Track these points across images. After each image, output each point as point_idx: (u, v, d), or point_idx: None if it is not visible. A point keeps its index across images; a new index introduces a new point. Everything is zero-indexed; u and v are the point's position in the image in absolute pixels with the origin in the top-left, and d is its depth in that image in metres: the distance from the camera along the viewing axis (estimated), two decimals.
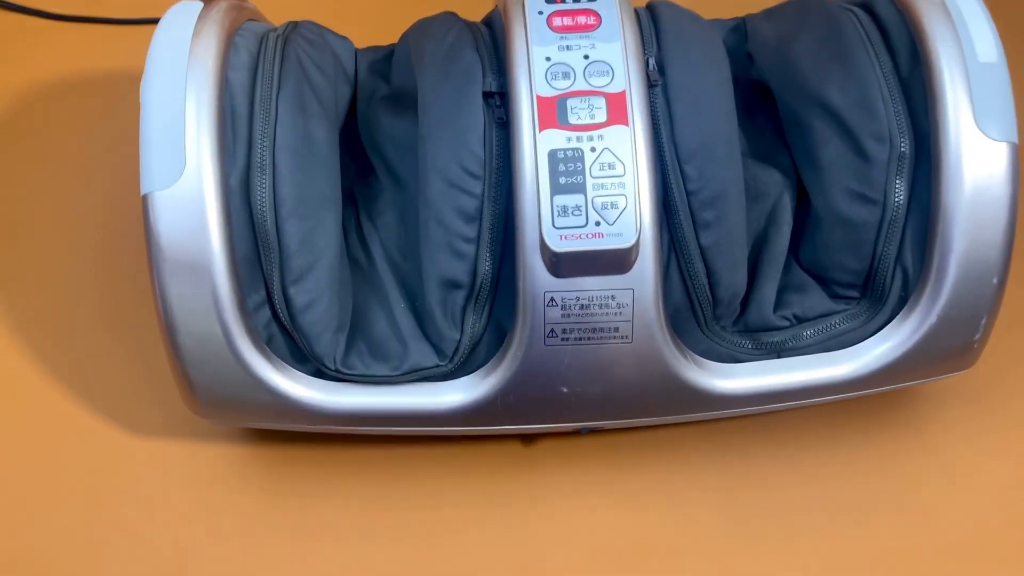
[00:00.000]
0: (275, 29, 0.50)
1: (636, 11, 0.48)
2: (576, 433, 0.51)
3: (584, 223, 0.42)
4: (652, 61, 0.45)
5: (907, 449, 0.53)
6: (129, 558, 0.50)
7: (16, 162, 0.64)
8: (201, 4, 0.46)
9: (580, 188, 0.42)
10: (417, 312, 0.47)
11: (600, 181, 0.42)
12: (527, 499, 0.52)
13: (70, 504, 0.52)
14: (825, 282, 0.48)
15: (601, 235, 0.42)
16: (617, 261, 0.42)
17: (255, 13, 0.52)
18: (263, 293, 0.45)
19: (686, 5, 0.49)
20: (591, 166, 0.42)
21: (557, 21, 0.44)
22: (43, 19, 0.68)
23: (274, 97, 0.45)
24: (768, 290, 0.47)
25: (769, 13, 0.53)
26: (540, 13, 0.44)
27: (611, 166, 0.42)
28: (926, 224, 0.45)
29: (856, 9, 0.49)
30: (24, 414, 0.54)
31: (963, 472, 0.53)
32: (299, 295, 0.44)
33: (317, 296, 0.45)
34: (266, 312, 0.45)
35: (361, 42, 0.54)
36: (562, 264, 0.42)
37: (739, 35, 0.55)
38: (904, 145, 0.45)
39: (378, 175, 0.51)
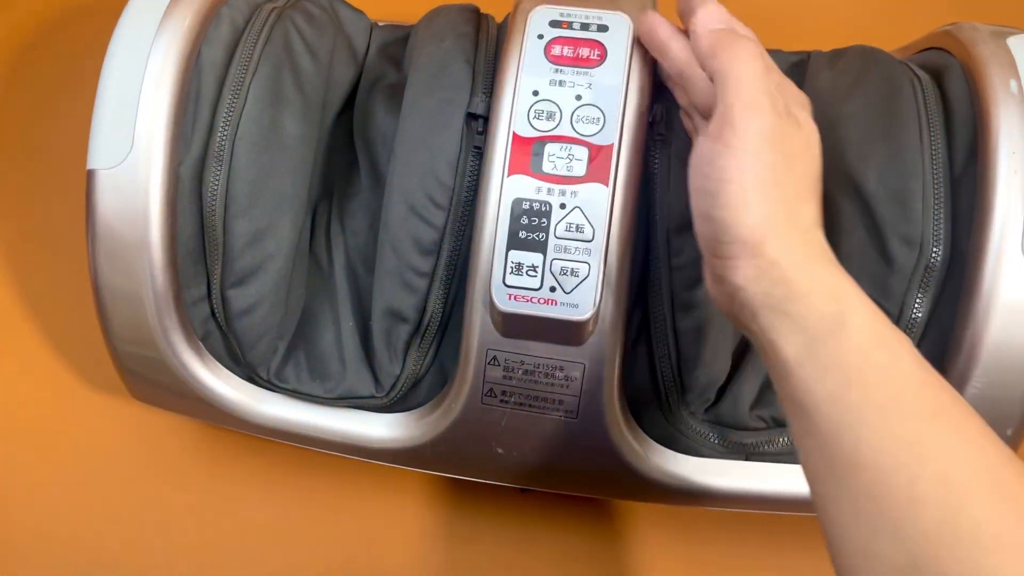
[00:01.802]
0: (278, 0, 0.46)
1: None
2: (518, 490, 0.47)
3: (538, 286, 0.37)
4: (661, 111, 0.39)
5: None
6: (65, 506, 0.50)
7: (43, 84, 0.62)
8: None
9: (540, 247, 0.37)
10: (365, 332, 0.44)
11: (564, 243, 0.37)
12: (461, 539, 0.49)
13: (22, 443, 0.52)
14: None
15: (554, 303, 0.37)
16: (569, 332, 0.38)
17: None
18: (204, 289, 0.42)
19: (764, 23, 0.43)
20: (557, 225, 0.37)
21: (556, 50, 0.38)
22: None
23: (247, 81, 0.41)
24: (748, 386, 0.42)
25: (835, 57, 0.46)
26: (540, 37, 0.38)
27: (579, 228, 0.37)
28: (944, 349, 0.38)
29: (923, 75, 0.42)
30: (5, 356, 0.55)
31: None
32: (238, 299, 0.42)
33: (258, 302, 0.42)
34: (205, 308, 0.42)
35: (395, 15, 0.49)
36: (508, 324, 0.38)
37: (800, 71, 0.48)
38: (936, 254, 0.38)
39: (360, 172, 0.47)
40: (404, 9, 0.52)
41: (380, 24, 0.50)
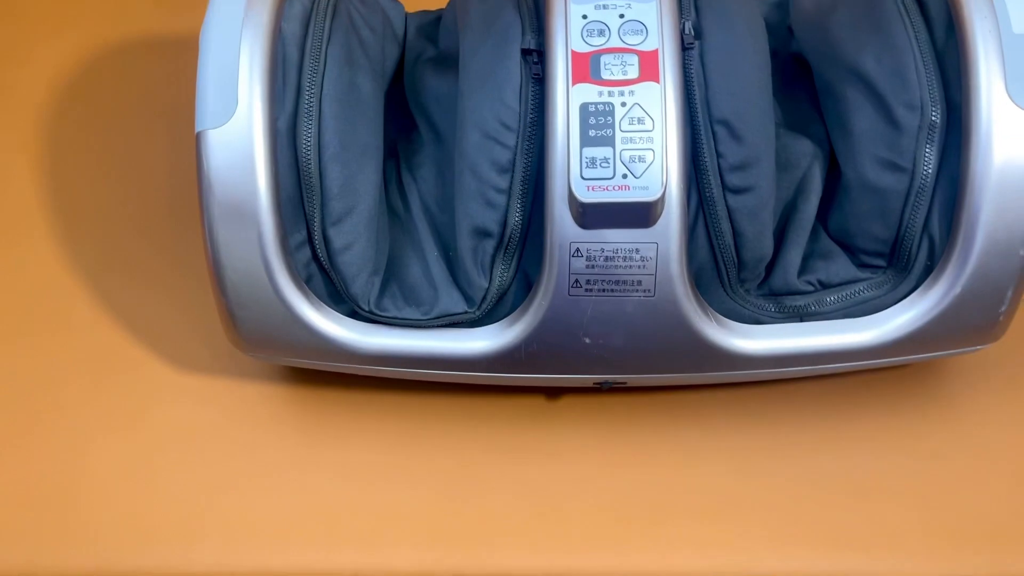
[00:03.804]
0: None
1: None
2: (598, 389, 0.52)
3: (612, 175, 0.43)
4: (689, 25, 0.46)
5: (930, 424, 0.53)
6: (167, 490, 0.53)
7: (88, 116, 0.67)
8: None
9: (609, 141, 0.43)
10: (449, 260, 0.49)
11: (629, 135, 0.43)
12: (548, 453, 0.54)
13: (116, 434, 0.55)
14: (852, 250, 0.49)
15: (628, 187, 0.43)
16: (642, 214, 0.43)
17: None
18: (304, 233, 0.47)
19: None
20: (621, 120, 0.43)
21: None
22: None
23: (324, 48, 0.47)
24: (794, 255, 0.48)
25: None
26: None
27: (640, 121, 0.43)
28: (954, 194, 0.45)
29: None
30: (80, 346, 0.58)
31: (987, 448, 0.53)
32: (338, 237, 0.47)
33: (355, 239, 0.47)
34: (306, 252, 0.47)
35: (412, 6, 0.56)
36: (588, 215, 0.44)
37: (782, 11, 0.56)
38: (935, 114, 0.45)
39: (420, 131, 0.53)
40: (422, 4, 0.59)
41: (413, 12, 0.56)
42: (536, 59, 0.46)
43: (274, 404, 0.56)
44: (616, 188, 0.43)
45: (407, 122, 0.54)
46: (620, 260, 0.44)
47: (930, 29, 0.47)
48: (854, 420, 0.54)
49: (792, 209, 0.49)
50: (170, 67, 0.68)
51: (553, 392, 0.55)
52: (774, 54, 0.54)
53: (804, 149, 0.50)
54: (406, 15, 0.56)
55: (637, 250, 0.44)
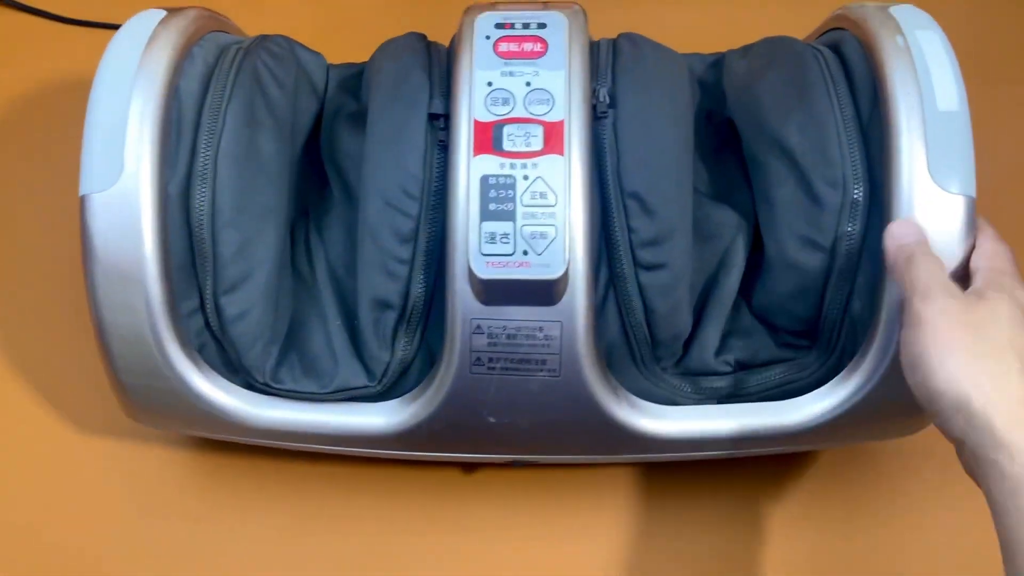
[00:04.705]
0: (242, 41, 0.50)
1: (599, 42, 0.47)
2: (512, 465, 0.50)
3: (512, 251, 0.41)
4: (604, 92, 0.44)
5: (865, 508, 0.51)
6: (61, 553, 0.51)
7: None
8: (164, 12, 0.47)
9: (510, 216, 0.41)
10: (352, 330, 0.47)
11: (531, 210, 0.41)
12: (463, 529, 0.51)
13: (10, 493, 0.52)
14: (775, 329, 0.46)
15: (528, 264, 0.41)
16: (544, 292, 0.41)
17: (226, 25, 0.52)
18: (197, 301, 0.45)
19: (683, 33, 0.48)
20: (522, 194, 0.41)
21: (503, 47, 0.43)
22: (46, 20, 0.70)
23: (223, 107, 0.45)
24: (711, 333, 0.46)
25: (746, 49, 0.51)
26: (487, 38, 0.43)
27: (543, 195, 0.41)
28: (878, 276, 0.43)
29: (825, 50, 0.48)
30: None
31: (924, 537, 0.50)
32: (231, 305, 0.44)
33: (250, 307, 0.44)
34: (199, 320, 0.45)
35: (350, 58, 0.54)
36: (489, 291, 0.41)
37: (718, 70, 0.54)
38: (858, 192, 0.43)
39: (332, 189, 0.51)
40: (355, 54, 0.57)
41: (335, 64, 0.54)
42: (443, 125, 0.44)
43: (177, 470, 0.53)
44: (516, 265, 0.41)
45: (324, 179, 0.52)
46: (523, 338, 0.42)
47: (855, 101, 0.45)
48: (785, 501, 0.51)
49: (713, 283, 0.47)
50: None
51: (469, 465, 0.53)
52: (708, 116, 0.52)
53: (728, 220, 0.48)
54: (328, 67, 0.54)
55: (541, 328, 0.42)
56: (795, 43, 0.48)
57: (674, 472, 0.52)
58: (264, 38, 0.51)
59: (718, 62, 0.54)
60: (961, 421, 0.35)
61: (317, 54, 0.53)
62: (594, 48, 0.47)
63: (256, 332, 0.45)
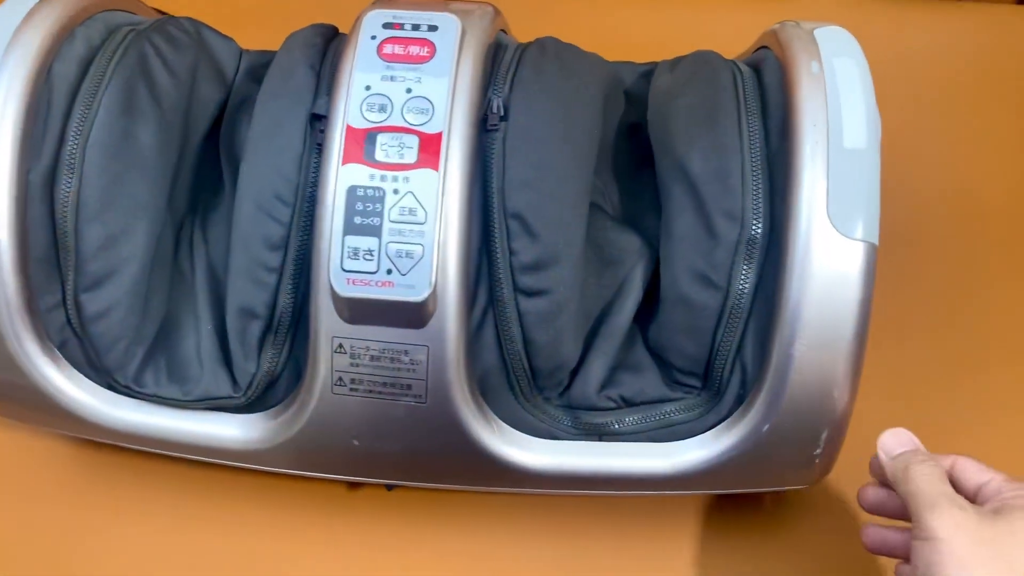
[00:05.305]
0: (140, 23, 0.48)
1: (507, 47, 0.44)
2: (387, 487, 0.47)
3: (375, 269, 0.38)
4: (498, 103, 0.41)
5: (749, 551, 0.48)
6: None
7: None
8: None
9: (376, 231, 0.38)
10: (223, 336, 0.44)
11: (398, 227, 0.38)
12: (343, 544, 0.49)
13: None
14: (667, 366, 0.44)
15: (392, 284, 0.38)
16: (409, 314, 0.39)
17: (133, 4, 0.50)
18: (59, 296, 0.43)
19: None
20: (391, 209, 0.38)
21: (388, 49, 0.40)
22: None
23: (99, 94, 0.43)
24: (597, 366, 0.43)
25: (676, 62, 0.48)
26: (373, 38, 0.41)
27: (412, 212, 0.38)
28: (771, 320, 0.40)
29: (747, 71, 0.44)
30: None
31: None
32: (91, 302, 0.42)
33: (112, 305, 0.42)
34: (61, 315, 0.43)
35: None
36: (351, 310, 0.39)
37: (647, 80, 0.51)
38: (757, 228, 0.40)
39: (224, 185, 0.48)
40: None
41: (250, 51, 0.52)
42: (323, 127, 0.42)
43: (59, 464, 0.51)
44: (379, 284, 0.38)
45: (220, 174, 0.50)
46: (387, 361, 0.40)
47: (766, 129, 0.42)
48: (666, 538, 0.49)
49: (607, 313, 0.44)
50: None
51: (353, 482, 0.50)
52: (633, 130, 0.49)
53: (631, 246, 0.45)
54: (242, 53, 0.51)
55: (406, 352, 0.40)
56: (716, 61, 0.45)
57: (566, 504, 0.49)
58: (166, 20, 0.48)
59: (649, 72, 0.51)
60: None
61: (228, 39, 0.51)
62: (499, 54, 0.44)
63: (118, 332, 0.43)
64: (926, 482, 0.37)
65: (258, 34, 0.53)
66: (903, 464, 0.39)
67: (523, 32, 0.47)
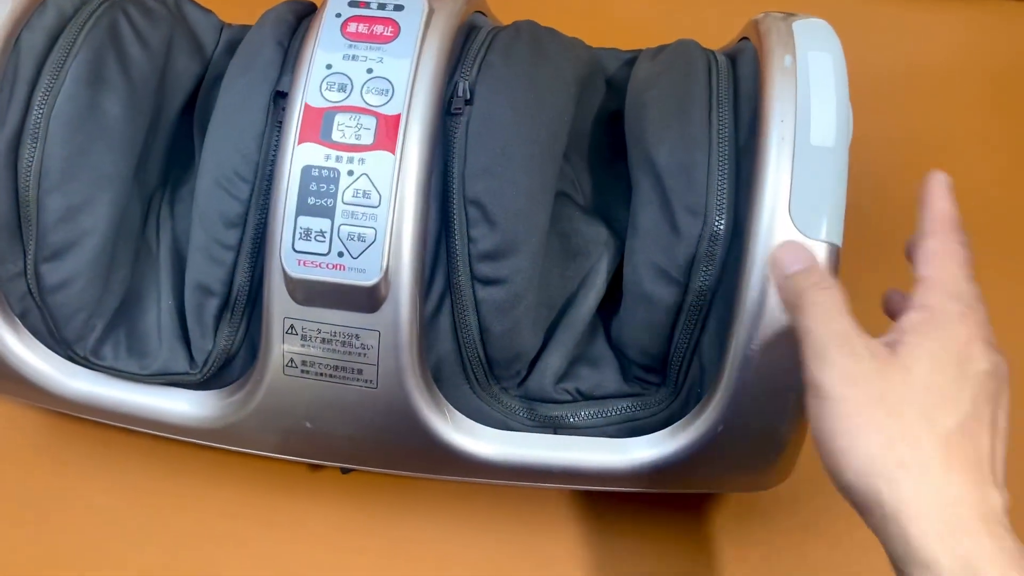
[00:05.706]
0: None
1: (480, 30, 0.43)
2: (344, 471, 0.47)
3: (326, 251, 0.38)
4: (464, 86, 0.41)
5: (714, 552, 0.48)
6: None
7: None
8: None
9: (328, 212, 0.38)
10: (182, 312, 0.44)
11: (351, 209, 0.38)
12: (301, 525, 0.49)
13: None
14: (627, 361, 0.43)
15: (343, 267, 0.38)
16: (360, 298, 0.38)
17: None
18: (20, 265, 0.43)
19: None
20: (344, 191, 0.38)
21: (351, 27, 0.40)
22: None
23: (68, 63, 0.42)
24: (556, 358, 0.42)
25: (659, 50, 0.47)
26: (338, 16, 0.40)
27: (366, 195, 0.38)
28: (729, 319, 0.39)
29: (723, 61, 0.43)
30: None
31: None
32: (51, 273, 0.42)
33: (72, 277, 0.42)
34: (22, 284, 0.43)
35: None
36: (302, 291, 0.39)
37: (631, 69, 0.50)
38: (720, 224, 0.39)
39: (196, 160, 0.48)
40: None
41: (231, 25, 0.51)
42: (284, 105, 0.41)
43: (18, 432, 0.52)
44: (329, 267, 0.38)
45: (194, 149, 0.49)
46: (338, 344, 0.39)
47: (736, 123, 0.40)
48: (621, 533, 0.48)
49: (569, 304, 0.43)
50: None
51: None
52: (615, 118, 0.48)
53: (598, 237, 0.44)
54: (222, 27, 0.51)
55: (357, 336, 0.39)
56: (694, 51, 0.44)
57: (516, 493, 0.49)
58: None
59: (633, 60, 0.50)
60: (875, 523, 0.29)
61: (209, 12, 0.50)
62: (471, 37, 0.43)
63: (78, 303, 0.43)
64: (818, 317, 0.31)
65: (243, 9, 0.52)
66: (796, 288, 0.33)
67: (512, 15, 0.46)
